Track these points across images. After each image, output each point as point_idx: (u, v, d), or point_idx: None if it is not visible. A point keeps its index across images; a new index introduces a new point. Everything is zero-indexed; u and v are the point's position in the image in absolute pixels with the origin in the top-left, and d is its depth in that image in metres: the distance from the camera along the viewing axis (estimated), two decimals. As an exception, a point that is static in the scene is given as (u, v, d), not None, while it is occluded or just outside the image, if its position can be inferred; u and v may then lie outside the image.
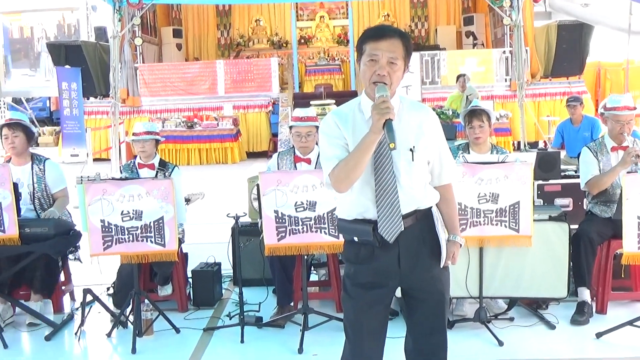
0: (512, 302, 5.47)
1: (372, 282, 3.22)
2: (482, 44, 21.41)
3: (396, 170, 3.12)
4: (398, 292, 5.19)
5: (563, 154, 8.75)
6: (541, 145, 16.00)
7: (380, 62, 3.08)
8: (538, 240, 5.09)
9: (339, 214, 3.30)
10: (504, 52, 18.08)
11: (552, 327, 5.22)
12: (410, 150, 3.13)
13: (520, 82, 15.68)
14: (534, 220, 5.05)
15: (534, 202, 5.08)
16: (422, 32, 23.84)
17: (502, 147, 6.07)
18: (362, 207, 3.18)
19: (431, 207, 3.26)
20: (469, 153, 5.75)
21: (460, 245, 3.38)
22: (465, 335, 5.11)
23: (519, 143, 15.99)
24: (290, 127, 5.83)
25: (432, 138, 3.21)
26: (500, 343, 4.92)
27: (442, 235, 3.27)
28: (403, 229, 3.14)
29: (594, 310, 5.46)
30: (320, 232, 5.00)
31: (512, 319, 5.35)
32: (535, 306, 5.52)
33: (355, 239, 3.22)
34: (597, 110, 10.12)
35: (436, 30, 23.12)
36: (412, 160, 3.13)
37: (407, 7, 23.91)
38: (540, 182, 6.29)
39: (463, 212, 4.95)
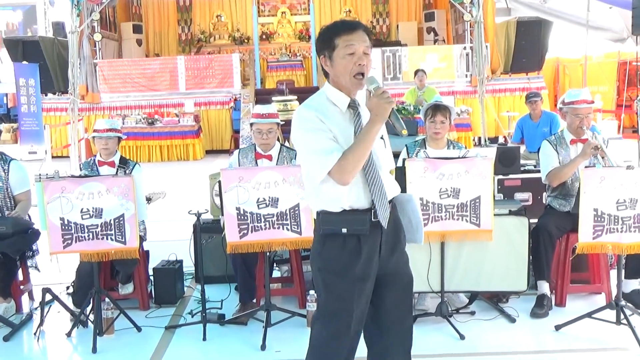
0: (473, 296, 5.52)
1: (361, 275, 3.23)
2: (443, 40, 21.52)
3: (375, 158, 3.20)
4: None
5: (523, 149, 8.85)
6: (501, 140, 16.17)
7: (357, 53, 3.14)
8: (498, 234, 5.14)
9: (323, 206, 3.25)
10: (465, 48, 18.22)
11: (512, 320, 5.29)
12: (382, 137, 3.26)
13: (480, 77, 15.86)
14: (495, 214, 5.09)
15: (494, 196, 5.13)
16: (384, 28, 23.90)
17: (458, 142, 6.11)
18: (354, 196, 3.19)
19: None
20: (425, 149, 5.79)
21: None
22: (427, 329, 5.15)
23: (479, 138, 16.16)
24: (251, 124, 5.81)
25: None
26: (462, 337, 4.96)
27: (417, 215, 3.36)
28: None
29: (553, 303, 5.54)
30: (283, 228, 4.99)
31: (473, 313, 5.40)
32: (496, 300, 5.59)
33: (344, 230, 3.21)
34: (556, 105, 10.25)
35: (397, 26, 23.18)
36: (385, 147, 3.30)
37: (368, 3, 23.95)
38: (501, 176, 6.35)
39: (425, 207, 4.97)
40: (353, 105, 3.21)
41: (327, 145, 3.12)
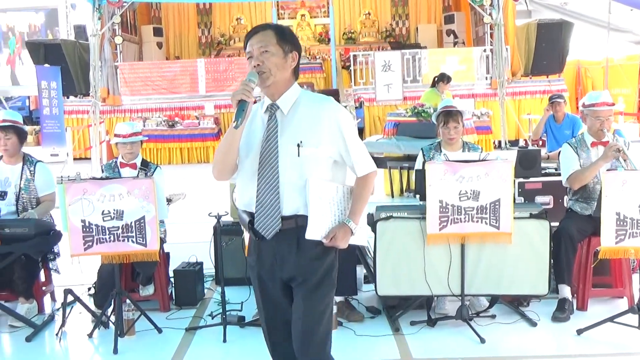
0: (494, 300, 5.49)
1: (259, 273, 3.29)
2: (463, 43, 21.46)
3: (282, 168, 3.12)
4: (380, 291, 5.22)
5: (544, 151, 8.80)
6: (522, 143, 16.08)
7: (254, 55, 3.15)
8: (519, 237, 5.11)
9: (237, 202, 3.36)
10: (485, 50, 18.14)
11: (533, 324, 5.26)
12: (297, 145, 3.12)
13: (500, 80, 15.80)
14: (515, 217, 5.07)
15: (514, 199, 5.11)
16: (403, 31, 23.88)
17: (473, 144, 6.09)
18: (248, 199, 3.22)
19: None
20: (441, 152, 5.79)
21: (352, 231, 3.23)
22: (447, 332, 5.13)
23: (499, 141, 16.10)
24: None
25: (331, 130, 3.16)
26: (482, 340, 4.94)
27: (319, 210, 3.15)
28: (280, 230, 3.15)
29: (574, 307, 5.50)
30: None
31: (493, 317, 5.37)
32: (517, 303, 5.55)
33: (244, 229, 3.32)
34: (577, 108, 10.18)
35: (417, 28, 23.13)
36: (298, 155, 3.12)
37: (387, 6, 23.92)
38: (521, 179, 6.32)
39: (444, 210, 4.97)
40: (270, 109, 3.20)
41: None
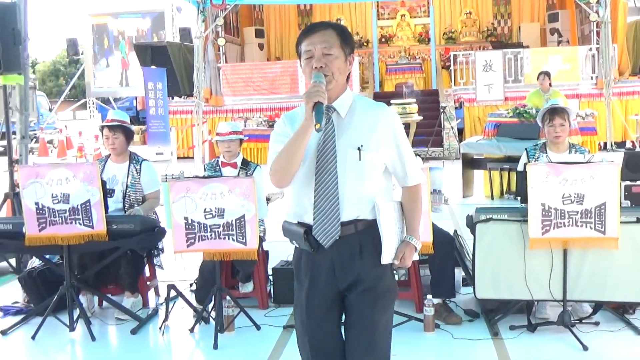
0: (598, 306, 5.33)
1: (313, 292, 3.13)
2: (568, 41, 20.91)
3: (341, 171, 2.97)
4: (479, 294, 5.14)
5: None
6: (629, 145, 15.55)
7: (316, 56, 2.99)
8: (625, 242, 4.94)
9: (285, 214, 3.17)
10: (590, 49, 17.62)
11: (639, 332, 5.07)
12: (358, 149, 2.97)
13: (607, 80, 15.31)
14: (621, 222, 4.90)
15: (620, 203, 4.94)
16: (505, 30, 23.47)
17: (580, 146, 5.95)
18: (302, 209, 3.06)
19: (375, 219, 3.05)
20: (546, 153, 5.67)
21: (416, 248, 3.14)
22: (548, 338, 5.01)
23: (605, 143, 15.60)
24: None
25: (387, 137, 3.03)
26: (585, 348, 4.80)
27: (389, 233, 3.06)
28: (339, 237, 2.99)
29: (684, 316, 5.29)
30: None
31: (597, 324, 5.21)
32: (622, 311, 5.37)
33: (294, 243, 3.14)
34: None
35: (519, 27, 22.71)
36: (360, 159, 2.98)
37: (489, 5, 23.57)
38: (628, 182, 6.11)
39: (547, 213, 4.85)
40: (327, 111, 3.01)
41: (274, 148, 3.04)
